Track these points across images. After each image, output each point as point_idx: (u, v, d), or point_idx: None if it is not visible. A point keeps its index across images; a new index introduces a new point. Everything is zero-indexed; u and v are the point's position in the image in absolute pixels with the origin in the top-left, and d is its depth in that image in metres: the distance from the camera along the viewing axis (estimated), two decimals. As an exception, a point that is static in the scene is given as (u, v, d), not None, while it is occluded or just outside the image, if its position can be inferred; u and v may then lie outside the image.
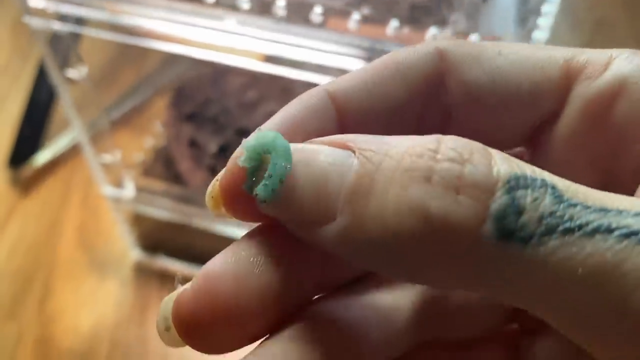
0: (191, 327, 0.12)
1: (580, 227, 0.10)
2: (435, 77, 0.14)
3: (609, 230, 0.10)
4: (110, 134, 0.40)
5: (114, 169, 0.43)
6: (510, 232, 0.10)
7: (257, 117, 0.47)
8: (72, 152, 0.58)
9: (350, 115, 0.13)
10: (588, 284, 0.09)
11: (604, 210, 0.10)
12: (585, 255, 0.10)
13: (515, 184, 0.10)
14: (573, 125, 0.14)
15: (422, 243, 0.10)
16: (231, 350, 0.12)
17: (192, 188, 0.45)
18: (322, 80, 0.30)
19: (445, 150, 0.10)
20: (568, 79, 0.14)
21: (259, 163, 0.13)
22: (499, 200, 0.10)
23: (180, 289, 0.13)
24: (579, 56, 0.14)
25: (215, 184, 0.14)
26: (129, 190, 0.44)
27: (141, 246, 0.50)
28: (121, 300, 0.49)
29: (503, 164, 0.10)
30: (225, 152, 0.46)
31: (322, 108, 0.13)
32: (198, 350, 0.12)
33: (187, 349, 0.13)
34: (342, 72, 0.29)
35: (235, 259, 0.12)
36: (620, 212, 0.10)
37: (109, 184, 0.44)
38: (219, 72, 0.46)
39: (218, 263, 0.12)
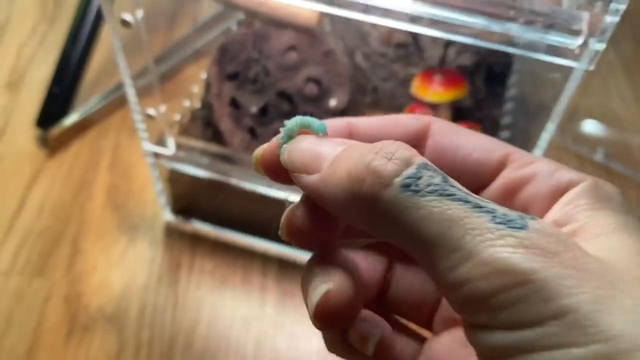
0: (288, 230, 0.20)
1: (449, 194, 0.16)
2: (419, 134, 0.21)
3: (465, 201, 0.16)
4: (157, 87, 0.40)
5: (156, 125, 0.42)
6: (409, 185, 0.16)
7: (298, 80, 0.47)
8: (101, 115, 0.57)
9: (358, 138, 0.21)
10: (439, 225, 0.15)
11: (469, 195, 0.16)
12: (445, 209, 0.15)
13: (424, 167, 0.16)
14: (494, 195, 0.20)
15: (357, 197, 0.17)
16: (307, 246, 0.20)
17: (231, 148, 0.45)
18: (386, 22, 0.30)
19: (384, 149, 0.17)
20: (503, 164, 0.20)
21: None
22: (411, 169, 0.16)
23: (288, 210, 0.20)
24: (516, 153, 0.20)
25: (258, 151, 0.21)
26: (169, 147, 0.43)
27: (173, 208, 0.50)
28: (151, 262, 0.49)
29: (420, 157, 0.17)
30: (265, 114, 0.46)
31: (342, 130, 0.21)
32: (295, 243, 0.20)
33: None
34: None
35: (300, 209, 0.19)
36: (480, 199, 0.16)
37: (149, 140, 0.43)
38: (261, 33, 0.46)
39: (294, 210, 0.20)
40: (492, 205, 0.16)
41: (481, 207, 0.15)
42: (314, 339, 0.46)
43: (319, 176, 0.18)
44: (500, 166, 0.20)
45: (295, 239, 0.20)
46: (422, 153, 0.20)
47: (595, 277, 0.14)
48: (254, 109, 0.45)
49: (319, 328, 0.20)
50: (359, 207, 0.17)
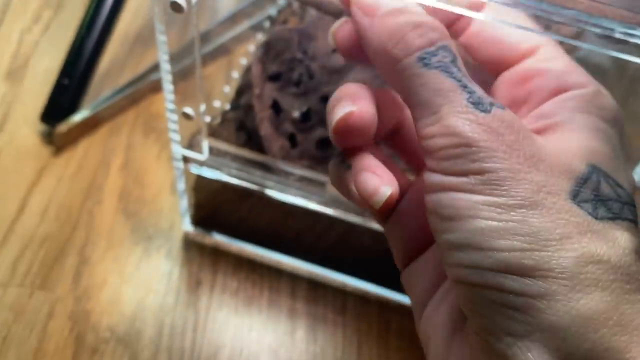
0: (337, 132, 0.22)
1: (449, 72, 0.20)
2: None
3: (458, 80, 0.20)
4: (200, 81, 0.35)
5: (189, 126, 0.37)
6: (424, 58, 0.20)
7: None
8: (114, 112, 0.52)
9: None
10: (431, 93, 0.20)
11: (464, 77, 0.20)
12: (440, 82, 0.20)
13: (443, 48, 0.20)
14: (510, 77, 0.24)
15: (387, 52, 0.21)
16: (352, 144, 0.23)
17: (269, 155, 0.40)
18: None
19: (423, 26, 0.21)
20: (530, 53, 0.23)
21: None
22: (432, 47, 0.20)
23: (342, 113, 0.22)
24: (546, 47, 0.24)
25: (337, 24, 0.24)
26: (203, 152, 0.39)
27: (193, 218, 0.45)
28: (168, 277, 0.44)
29: (446, 40, 0.21)
30: (306, 120, 0.41)
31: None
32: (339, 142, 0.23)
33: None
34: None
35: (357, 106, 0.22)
36: (469, 82, 0.20)
37: (180, 142, 0.38)
38: (307, 31, 0.41)
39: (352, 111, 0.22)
40: (475, 89, 0.20)
41: (466, 87, 0.20)
42: (351, 371, 0.41)
43: (370, 21, 0.22)
44: (527, 54, 0.23)
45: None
46: (465, 26, 0.24)
47: (522, 157, 0.19)
48: (296, 113, 0.41)
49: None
50: (385, 60, 0.21)
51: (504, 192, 0.18)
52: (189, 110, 0.36)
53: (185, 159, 0.40)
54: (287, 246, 0.45)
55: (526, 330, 0.17)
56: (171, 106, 0.36)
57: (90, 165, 0.49)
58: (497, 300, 0.18)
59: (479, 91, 0.20)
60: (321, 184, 0.41)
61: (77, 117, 0.49)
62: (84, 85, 0.50)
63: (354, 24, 0.23)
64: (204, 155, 0.39)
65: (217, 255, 0.45)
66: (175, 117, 0.37)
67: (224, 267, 0.45)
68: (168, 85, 0.34)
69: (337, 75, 0.43)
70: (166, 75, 0.34)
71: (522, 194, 0.18)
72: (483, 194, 0.18)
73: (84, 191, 0.48)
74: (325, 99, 0.42)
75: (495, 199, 0.18)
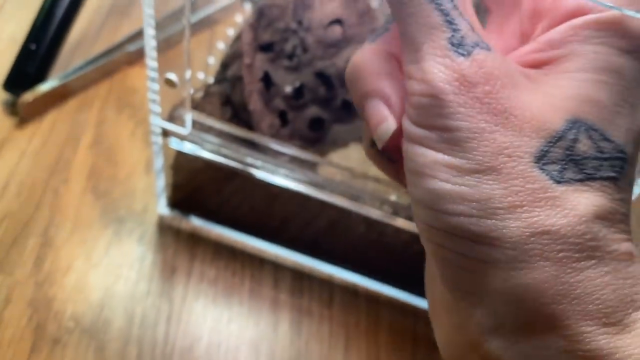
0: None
1: (438, 3, 0.18)
2: None
3: (445, 14, 0.19)
4: (188, 43, 0.31)
5: (171, 96, 0.34)
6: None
7: (339, 61, 0.39)
8: (85, 84, 0.48)
9: None
10: (418, 27, 0.19)
11: (453, 9, 0.19)
12: (426, 15, 0.19)
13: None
14: None
15: None
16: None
17: (258, 132, 0.37)
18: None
19: None
20: None
21: None
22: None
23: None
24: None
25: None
26: (186, 125, 0.35)
27: (170, 200, 0.42)
28: (140, 263, 0.40)
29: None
30: (299, 96, 0.38)
31: None
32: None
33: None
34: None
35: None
36: (458, 15, 0.19)
37: (160, 114, 0.35)
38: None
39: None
40: (461, 26, 0.18)
41: (452, 23, 0.18)
42: (338, 369, 0.38)
43: None
44: None
45: None
46: None
47: (491, 113, 0.18)
48: (288, 89, 0.38)
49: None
50: None
51: (463, 154, 0.17)
52: (172, 76, 0.32)
53: (165, 133, 0.36)
54: (271, 233, 0.42)
55: (474, 290, 0.18)
56: (153, 72, 0.32)
57: (57, 140, 0.45)
58: (450, 258, 0.18)
59: (464, 29, 0.18)
60: (312, 165, 0.38)
61: (45, 86, 0.45)
62: (53, 53, 0.46)
63: None
64: (186, 129, 0.35)
65: (195, 241, 0.42)
66: (156, 85, 0.33)
67: (201, 254, 0.41)
68: (151, 46, 0.31)
69: (333, 50, 0.39)
70: (149, 31, 0.30)
71: (479, 158, 0.17)
72: (443, 153, 0.18)
73: (49, 168, 0.43)
74: (320, 75, 0.39)
75: (453, 160, 0.18)
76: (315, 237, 0.41)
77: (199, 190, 0.41)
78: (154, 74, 0.33)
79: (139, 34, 0.50)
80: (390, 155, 0.21)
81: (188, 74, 0.32)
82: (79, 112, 0.47)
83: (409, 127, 0.19)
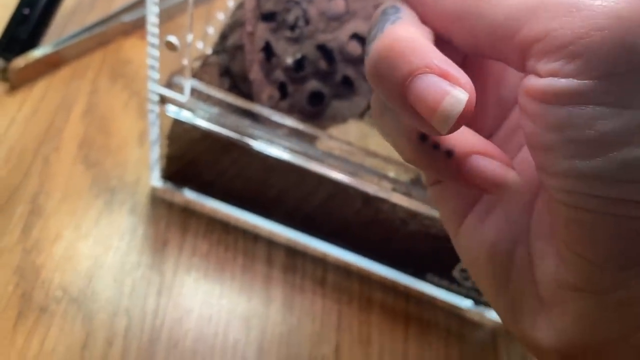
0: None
1: None
2: None
3: None
4: (191, 4, 0.30)
5: (169, 61, 0.33)
6: None
7: (341, 35, 0.39)
8: (79, 52, 0.47)
9: None
10: None
11: None
12: None
13: None
14: None
15: None
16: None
17: (257, 102, 0.36)
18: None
19: None
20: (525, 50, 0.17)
21: None
22: None
23: None
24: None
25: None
26: (184, 92, 0.34)
27: (163, 172, 0.41)
28: (132, 234, 0.39)
29: None
30: (299, 69, 0.38)
31: None
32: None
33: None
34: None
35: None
36: None
37: (157, 80, 0.34)
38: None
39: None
40: None
41: None
42: (326, 346, 0.38)
43: None
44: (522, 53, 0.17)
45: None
46: None
47: None
48: (289, 60, 0.37)
49: (435, 132, 0.17)
50: (452, 2, 0.18)
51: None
52: (173, 39, 0.32)
53: (163, 101, 0.35)
54: (266, 208, 0.41)
55: None
56: (153, 37, 0.32)
57: (48, 108, 0.44)
58: (630, 227, 0.16)
59: None
60: (311, 138, 0.37)
61: (37, 52, 0.44)
62: (46, 19, 0.45)
63: None
64: (184, 96, 0.35)
65: (188, 214, 0.41)
66: (156, 51, 0.32)
67: (194, 228, 0.41)
68: (153, 10, 0.30)
69: (336, 23, 0.39)
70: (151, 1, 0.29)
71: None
72: (634, 109, 0.15)
73: (40, 136, 0.42)
74: (321, 48, 0.38)
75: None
76: (311, 213, 0.40)
77: (193, 162, 0.40)
78: (155, 40, 0.32)
79: (135, 4, 0.49)
80: (449, 148, 0.18)
81: (190, 37, 0.31)
82: (72, 81, 0.46)
83: (564, 84, 0.16)
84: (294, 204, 0.40)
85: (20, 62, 0.44)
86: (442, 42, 0.19)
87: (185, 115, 0.36)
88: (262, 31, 0.36)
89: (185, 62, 0.33)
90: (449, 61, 0.17)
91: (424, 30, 0.19)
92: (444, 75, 0.16)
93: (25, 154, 0.41)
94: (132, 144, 0.43)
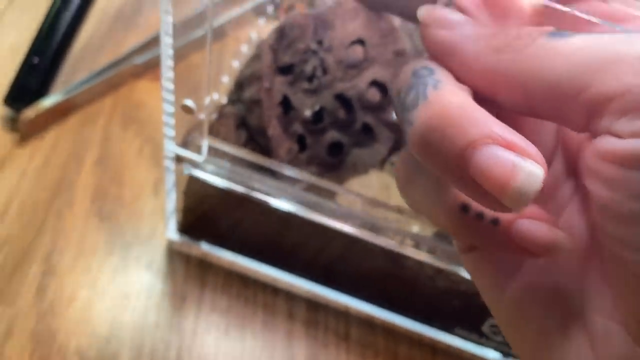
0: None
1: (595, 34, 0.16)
2: None
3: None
4: (207, 65, 0.29)
5: (185, 121, 0.32)
6: (556, 34, 0.16)
7: (360, 82, 0.37)
8: (89, 98, 0.46)
9: None
10: (596, 47, 0.16)
11: None
12: (597, 36, 0.16)
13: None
14: None
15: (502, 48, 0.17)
16: None
17: (276, 158, 0.35)
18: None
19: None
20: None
21: None
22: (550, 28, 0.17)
23: None
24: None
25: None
26: (202, 152, 0.33)
27: (180, 225, 0.40)
28: (149, 292, 0.38)
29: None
30: (319, 120, 0.36)
31: None
32: None
33: None
34: None
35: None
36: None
37: (174, 139, 0.33)
38: (323, 18, 0.36)
39: None
40: None
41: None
42: (356, 407, 0.36)
43: (458, 31, 0.18)
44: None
45: None
46: None
47: None
48: (307, 112, 0.36)
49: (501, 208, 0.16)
50: (498, 59, 0.17)
51: None
52: (189, 102, 0.30)
53: (179, 159, 0.34)
54: (284, 260, 0.40)
55: None
56: (169, 96, 0.30)
57: (60, 158, 0.43)
58: None
59: None
60: (330, 194, 0.36)
61: (47, 102, 0.43)
62: (56, 66, 0.44)
63: (434, 45, 0.19)
64: (202, 156, 0.34)
65: (205, 267, 0.40)
66: (171, 109, 0.31)
67: (212, 282, 0.40)
68: (168, 72, 0.29)
69: (354, 71, 0.38)
70: (166, 61, 0.28)
71: None
72: None
73: (52, 188, 0.41)
74: (339, 97, 0.37)
75: None
76: (331, 264, 0.39)
77: (210, 215, 0.39)
78: (170, 97, 0.31)
79: (146, 46, 0.48)
80: (494, 216, 0.17)
81: (207, 100, 0.30)
82: (83, 128, 0.45)
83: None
84: (313, 255, 0.39)
85: (30, 113, 0.43)
86: (478, 99, 0.18)
87: (202, 174, 0.35)
88: (280, 85, 0.35)
89: (202, 116, 0.32)
90: (511, 130, 0.16)
91: (462, 86, 0.18)
92: (510, 147, 0.15)
93: (38, 208, 0.40)
94: (147, 193, 0.42)
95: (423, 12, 0.20)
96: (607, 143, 0.15)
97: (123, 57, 0.47)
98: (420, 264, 0.36)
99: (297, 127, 0.36)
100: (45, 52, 0.43)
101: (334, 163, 0.38)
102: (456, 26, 0.19)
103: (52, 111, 0.44)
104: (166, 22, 0.27)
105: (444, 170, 0.16)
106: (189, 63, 0.31)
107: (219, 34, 0.46)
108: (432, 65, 0.19)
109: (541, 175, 0.15)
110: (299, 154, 0.37)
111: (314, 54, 0.36)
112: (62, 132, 0.44)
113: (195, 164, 0.34)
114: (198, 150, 0.33)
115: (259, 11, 0.45)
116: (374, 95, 0.38)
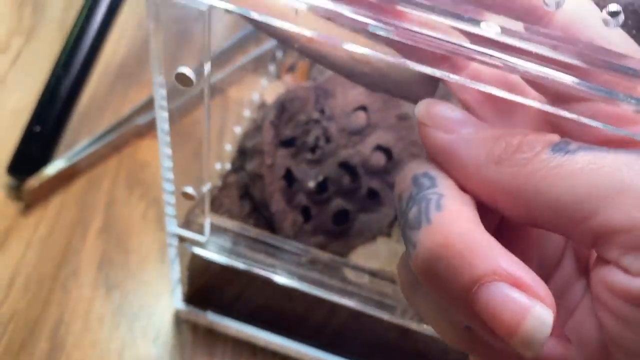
0: None
1: (601, 149, 0.16)
2: None
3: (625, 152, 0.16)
4: (207, 151, 0.29)
5: (187, 203, 0.31)
6: (560, 148, 0.16)
7: (364, 148, 0.37)
8: (92, 161, 0.45)
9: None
10: (601, 173, 0.15)
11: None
12: (601, 157, 0.16)
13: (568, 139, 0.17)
14: None
15: (501, 159, 0.17)
16: None
17: (280, 233, 0.35)
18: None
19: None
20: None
21: None
22: (555, 138, 0.17)
23: None
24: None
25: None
26: (204, 232, 0.33)
27: (186, 295, 0.39)
28: (157, 367, 0.38)
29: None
30: (322, 190, 0.36)
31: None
32: None
33: None
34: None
35: None
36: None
37: (176, 220, 0.32)
38: (324, 88, 0.36)
39: None
40: None
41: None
42: None
43: (458, 135, 0.18)
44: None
45: None
46: None
47: None
48: (311, 184, 0.35)
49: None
50: (499, 172, 0.16)
51: None
52: (190, 189, 0.30)
53: (181, 238, 0.34)
54: (291, 329, 0.39)
55: None
56: (169, 186, 0.30)
57: (65, 226, 0.43)
58: None
59: None
60: (335, 268, 0.35)
61: (50, 169, 0.43)
62: (58, 132, 0.44)
63: (434, 148, 0.18)
64: (204, 237, 0.33)
65: (213, 337, 0.39)
66: (172, 197, 0.31)
67: (221, 352, 0.39)
68: (167, 162, 0.28)
69: (357, 137, 0.37)
70: (165, 150, 0.28)
71: None
72: None
73: (57, 258, 0.41)
74: (343, 165, 0.37)
75: None
76: (339, 333, 0.38)
77: (215, 287, 0.38)
78: (170, 186, 0.30)
79: (147, 105, 0.47)
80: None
81: (207, 187, 0.30)
82: (87, 194, 0.44)
83: None
84: (320, 324, 0.38)
85: (34, 181, 0.42)
86: (482, 206, 0.17)
87: (205, 252, 0.34)
88: (282, 158, 0.35)
89: (205, 189, 0.32)
90: (519, 262, 0.15)
91: (464, 199, 0.17)
92: (517, 284, 0.15)
93: (44, 281, 0.40)
94: (153, 259, 0.42)
95: (421, 109, 0.19)
96: (617, 278, 0.15)
97: (126, 117, 0.47)
98: (432, 338, 0.35)
99: (301, 199, 0.36)
100: (47, 119, 0.43)
101: (340, 231, 0.37)
102: (455, 128, 0.18)
103: (56, 178, 0.43)
104: (162, 118, 0.26)
105: (449, 301, 0.16)
106: (189, 137, 0.30)
107: (220, 93, 0.46)
108: (433, 171, 0.18)
109: (550, 321, 0.14)
110: (303, 224, 0.36)
111: (316, 123, 0.36)
112: (67, 199, 0.44)
113: (197, 243, 0.34)
114: (200, 229, 0.33)
115: (260, 71, 0.44)
116: (379, 159, 0.37)
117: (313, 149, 0.36)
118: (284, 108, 0.34)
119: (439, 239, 0.16)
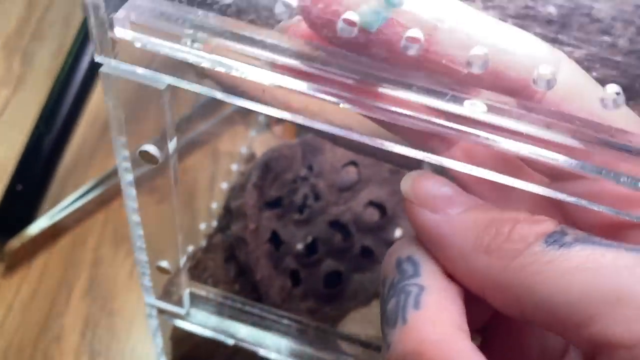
0: None
1: (598, 242, 0.15)
2: None
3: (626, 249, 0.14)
4: (177, 227, 0.27)
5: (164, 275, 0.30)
6: (554, 240, 0.14)
7: (355, 204, 0.35)
8: (77, 218, 0.44)
9: None
10: (597, 274, 0.14)
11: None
12: (599, 255, 0.14)
13: (565, 227, 0.15)
14: None
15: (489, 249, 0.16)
16: None
17: (266, 301, 0.32)
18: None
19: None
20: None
21: None
22: (552, 227, 0.15)
23: None
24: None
25: None
26: (183, 304, 0.31)
27: (172, 357, 0.37)
28: None
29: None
30: (312, 252, 0.34)
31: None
32: None
33: None
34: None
35: None
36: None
37: (154, 292, 0.30)
38: (312, 144, 0.34)
39: None
40: None
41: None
42: None
43: (445, 216, 0.16)
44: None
45: None
46: None
47: None
48: (299, 245, 0.33)
49: None
50: (488, 262, 0.15)
51: None
52: (164, 264, 0.28)
53: (162, 311, 0.32)
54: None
55: None
56: (142, 256, 0.28)
57: (48, 288, 0.41)
58: None
59: None
60: (326, 339, 0.33)
61: (33, 229, 0.41)
62: (41, 190, 0.42)
63: (419, 227, 0.17)
64: (184, 309, 0.31)
65: (202, 407, 0.37)
66: (146, 267, 0.29)
67: (209, 423, 0.37)
68: (138, 239, 0.26)
69: (348, 193, 0.35)
70: (136, 230, 0.26)
71: None
72: None
73: (39, 323, 0.39)
74: (334, 223, 0.35)
75: None
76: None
77: (201, 358, 0.36)
78: (143, 257, 0.28)
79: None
80: None
81: (183, 260, 0.28)
82: (72, 253, 0.42)
83: None
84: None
85: (16, 242, 0.41)
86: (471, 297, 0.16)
87: (186, 324, 0.32)
88: (267, 220, 0.33)
89: (181, 263, 0.30)
90: None
91: (451, 290, 0.16)
92: None
93: (24, 349, 0.38)
94: (138, 323, 0.40)
95: (408, 186, 0.17)
96: None
97: (111, 172, 0.45)
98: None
99: (290, 262, 0.34)
100: (29, 177, 0.41)
101: (333, 294, 0.35)
102: (443, 207, 0.17)
103: (39, 237, 0.42)
104: (130, 196, 0.24)
105: None
106: (159, 213, 0.28)
107: (208, 145, 0.44)
108: (418, 254, 0.17)
109: None
110: (292, 289, 0.34)
111: (303, 180, 0.34)
112: (50, 258, 0.42)
113: (177, 315, 0.32)
114: (179, 301, 0.31)
115: (250, 121, 0.42)
116: (372, 215, 0.35)
117: (301, 209, 0.34)
118: (268, 168, 0.32)
119: (412, 346, 0.15)
